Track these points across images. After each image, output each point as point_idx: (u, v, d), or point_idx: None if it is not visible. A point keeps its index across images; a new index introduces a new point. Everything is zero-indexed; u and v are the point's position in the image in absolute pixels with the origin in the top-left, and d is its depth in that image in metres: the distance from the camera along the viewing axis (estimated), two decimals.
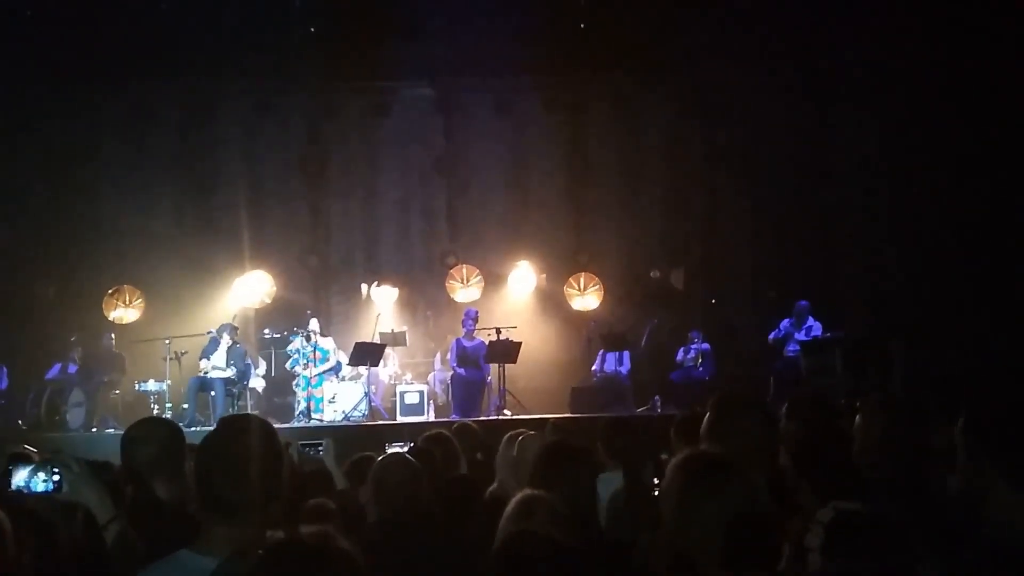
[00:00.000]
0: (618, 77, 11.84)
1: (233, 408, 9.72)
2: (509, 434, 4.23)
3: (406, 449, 3.57)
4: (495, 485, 4.00)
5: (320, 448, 3.55)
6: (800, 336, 10.10)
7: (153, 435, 2.68)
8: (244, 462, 2.01)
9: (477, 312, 10.56)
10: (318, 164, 11.97)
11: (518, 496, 2.81)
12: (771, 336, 10.27)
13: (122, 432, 2.90)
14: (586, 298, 11.70)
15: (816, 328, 10.13)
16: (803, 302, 10.18)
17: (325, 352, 10.14)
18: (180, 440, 2.77)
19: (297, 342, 10.24)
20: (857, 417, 3.14)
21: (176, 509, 2.61)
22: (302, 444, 3.63)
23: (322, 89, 11.83)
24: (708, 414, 2.95)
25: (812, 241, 11.32)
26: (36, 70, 10.39)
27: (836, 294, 11.00)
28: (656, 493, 3.41)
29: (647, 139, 12.12)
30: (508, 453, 4.06)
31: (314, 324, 10.19)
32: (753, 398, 2.87)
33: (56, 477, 2.07)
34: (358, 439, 7.16)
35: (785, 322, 10.24)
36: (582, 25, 10.95)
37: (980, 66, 9.50)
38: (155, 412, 9.69)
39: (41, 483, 2.07)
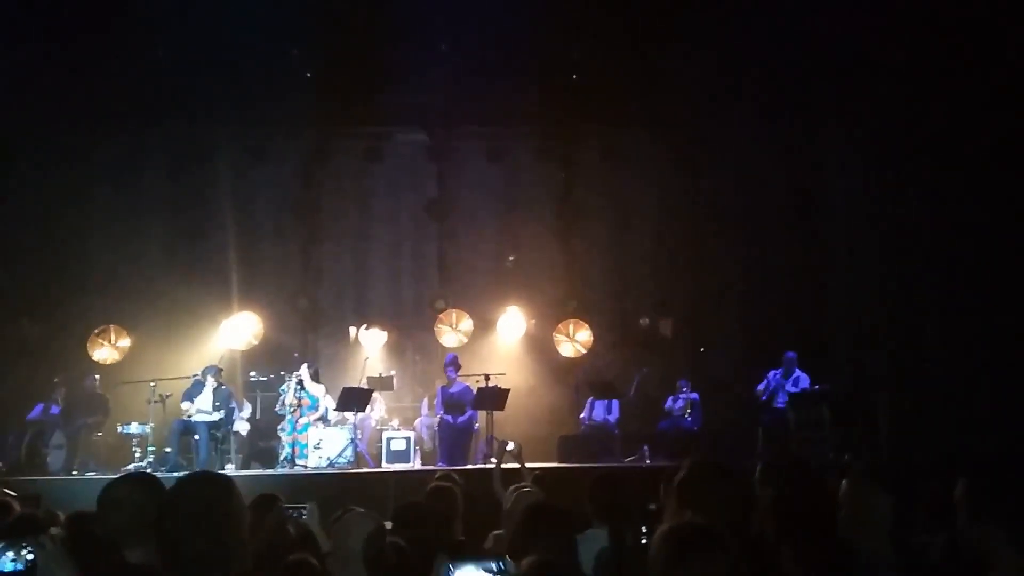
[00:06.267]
0: (609, 128, 12.02)
1: (216, 452, 9.62)
2: (513, 487, 4.20)
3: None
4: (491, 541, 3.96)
5: (304, 512, 3.49)
6: (789, 387, 10.12)
7: (129, 499, 2.60)
8: (203, 518, 2.07)
9: (456, 356, 10.52)
10: (310, 207, 12.03)
11: None
12: (759, 388, 10.28)
13: (102, 476, 2.88)
14: (575, 345, 11.69)
15: (803, 379, 10.17)
16: (791, 353, 10.23)
17: (314, 399, 10.05)
18: (157, 502, 2.71)
19: (287, 385, 10.13)
20: (843, 483, 3.13)
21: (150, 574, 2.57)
22: (286, 507, 3.56)
23: (316, 133, 11.95)
24: (680, 476, 2.94)
25: (800, 292, 11.39)
26: (29, 112, 10.43)
27: (823, 346, 11.04)
28: (643, 543, 3.40)
29: (637, 189, 12.26)
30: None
31: (304, 370, 10.13)
32: (725, 465, 2.88)
33: (29, 556, 2.02)
34: (344, 491, 7.07)
35: (772, 373, 10.27)
36: (574, 77, 11.13)
37: (975, 119, 9.64)
38: (137, 455, 9.58)
39: (10, 563, 2.02)
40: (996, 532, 2.83)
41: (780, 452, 8.74)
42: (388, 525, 3.45)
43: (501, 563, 2.45)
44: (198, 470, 8.32)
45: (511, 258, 12.01)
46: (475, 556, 2.50)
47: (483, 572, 2.38)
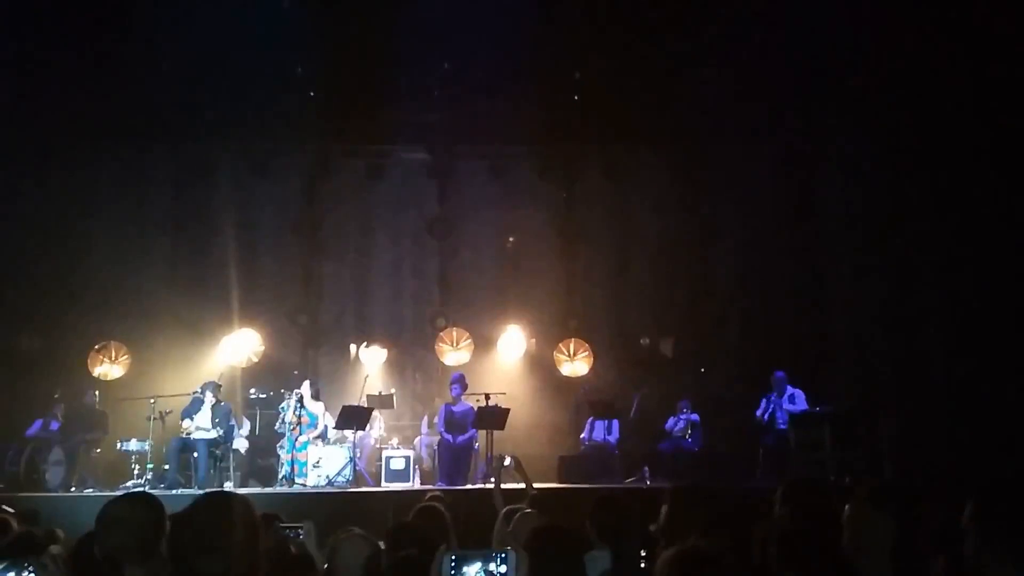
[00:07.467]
0: (610, 148, 12.06)
1: (215, 470, 9.57)
2: (507, 508, 4.17)
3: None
4: None
5: (301, 532, 3.46)
6: (785, 404, 10.08)
7: (129, 518, 2.58)
8: (220, 537, 2.02)
9: (463, 375, 10.49)
10: (312, 225, 12.06)
11: None
12: (758, 413, 10.23)
13: (101, 493, 2.85)
14: (575, 364, 11.67)
15: (799, 396, 10.14)
16: (779, 372, 10.23)
17: (313, 417, 10.01)
18: (158, 523, 2.68)
19: (287, 403, 10.09)
20: (847, 506, 3.12)
21: None
22: (283, 526, 3.53)
23: (318, 151, 12.00)
24: (665, 506, 2.94)
25: (801, 312, 11.38)
26: (34, 128, 10.48)
27: (825, 367, 11.03)
28: (642, 567, 3.38)
29: (638, 208, 12.28)
30: (504, 528, 3.98)
31: (305, 387, 10.10)
32: (709, 492, 2.89)
33: None
34: (343, 510, 7.04)
35: (769, 394, 10.24)
36: (576, 97, 11.19)
37: (975, 132, 9.67)
38: (135, 472, 9.54)
39: None
40: (1003, 557, 2.80)
41: (788, 473, 8.69)
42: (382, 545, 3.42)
43: (503, 555, 2.43)
44: (216, 489, 8.19)
45: (511, 239, 11.99)
46: (479, 550, 2.48)
47: (488, 567, 2.37)
